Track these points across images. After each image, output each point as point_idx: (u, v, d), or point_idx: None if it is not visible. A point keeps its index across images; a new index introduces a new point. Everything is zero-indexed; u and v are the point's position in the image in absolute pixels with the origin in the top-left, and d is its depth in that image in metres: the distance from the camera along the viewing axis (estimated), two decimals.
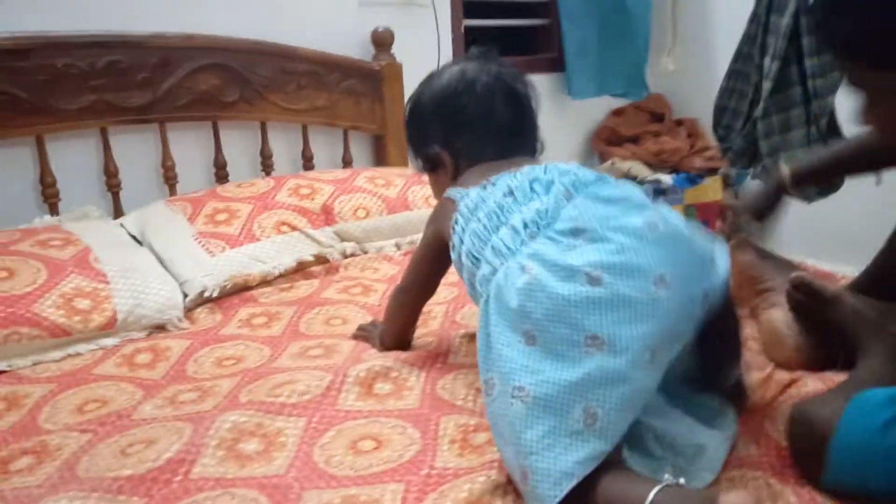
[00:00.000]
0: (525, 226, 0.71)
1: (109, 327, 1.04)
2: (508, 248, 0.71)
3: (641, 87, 2.52)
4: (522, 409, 0.61)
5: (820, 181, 0.98)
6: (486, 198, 0.78)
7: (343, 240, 1.41)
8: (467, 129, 0.89)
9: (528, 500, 0.61)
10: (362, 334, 1.03)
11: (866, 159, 0.91)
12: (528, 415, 0.61)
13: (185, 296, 1.16)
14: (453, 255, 0.83)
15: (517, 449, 0.61)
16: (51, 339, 0.99)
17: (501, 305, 0.68)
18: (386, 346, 0.97)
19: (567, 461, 0.59)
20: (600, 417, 0.60)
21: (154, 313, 1.08)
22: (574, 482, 0.58)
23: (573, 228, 0.68)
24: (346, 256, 1.38)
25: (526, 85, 0.93)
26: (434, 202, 0.95)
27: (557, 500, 0.58)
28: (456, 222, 0.81)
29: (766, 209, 0.95)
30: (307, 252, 1.33)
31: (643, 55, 2.45)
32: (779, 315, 0.89)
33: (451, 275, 1.30)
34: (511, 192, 0.77)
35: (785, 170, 0.95)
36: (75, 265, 1.10)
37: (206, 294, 1.17)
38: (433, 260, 0.91)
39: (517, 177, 0.79)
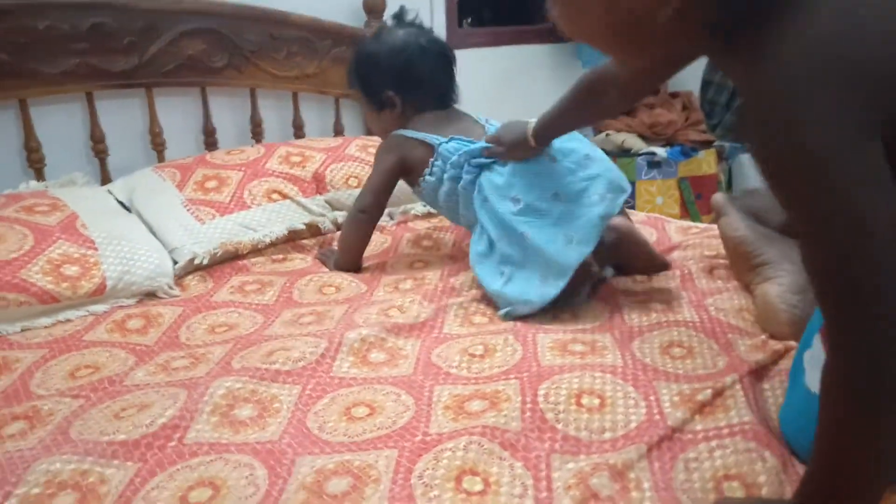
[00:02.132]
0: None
1: (99, 294, 1.03)
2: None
3: None
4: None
5: (561, 131, 1.05)
6: (459, 145, 1.11)
7: (335, 209, 1.39)
8: (418, 82, 1.17)
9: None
10: (321, 258, 1.23)
11: (595, 101, 0.97)
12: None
13: (175, 263, 1.15)
14: (428, 181, 1.13)
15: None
16: (39, 305, 0.98)
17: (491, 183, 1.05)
18: (340, 268, 1.18)
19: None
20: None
21: (144, 280, 1.07)
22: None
23: None
24: (337, 226, 1.36)
25: (451, 50, 1.23)
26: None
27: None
28: (436, 159, 1.12)
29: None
30: (298, 221, 1.31)
31: None
32: (773, 289, 0.89)
33: (449, 245, 1.29)
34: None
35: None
36: (62, 231, 1.08)
37: (197, 262, 1.16)
38: (391, 185, 1.18)
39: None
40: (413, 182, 1.18)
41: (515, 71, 2.36)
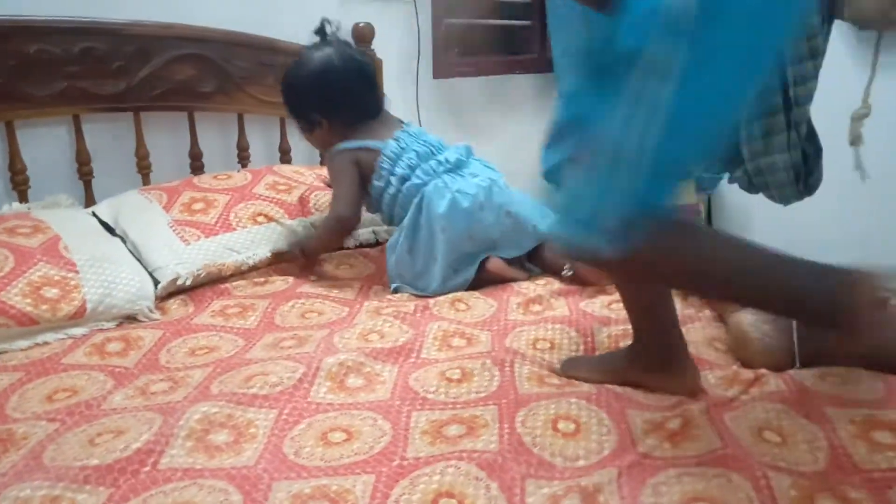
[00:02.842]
0: (447, 161, 1.28)
1: (79, 316, 1.02)
2: (434, 171, 1.27)
3: None
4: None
5: None
6: (405, 146, 1.29)
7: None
8: (339, 101, 1.31)
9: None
10: (290, 247, 1.33)
11: None
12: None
13: (157, 283, 1.15)
14: (378, 184, 1.29)
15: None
16: (17, 327, 0.97)
17: (430, 207, 1.22)
18: (308, 251, 1.31)
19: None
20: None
21: (124, 303, 1.07)
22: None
23: (471, 173, 1.30)
24: None
25: (372, 61, 1.46)
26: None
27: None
28: (384, 162, 1.28)
29: None
30: (282, 242, 1.32)
31: None
32: (746, 318, 0.91)
33: None
34: (426, 144, 1.31)
35: None
36: (43, 253, 1.08)
37: (179, 282, 1.16)
38: (358, 188, 1.31)
39: (421, 136, 1.33)
40: (365, 185, 1.33)
41: (501, 100, 2.40)
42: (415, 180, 1.26)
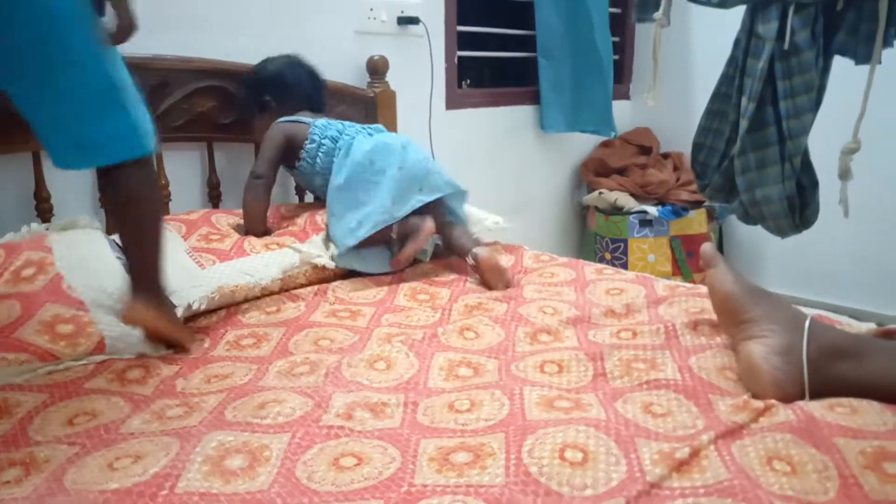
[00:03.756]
0: (369, 127, 1.57)
1: (99, 351, 1.04)
2: (359, 131, 1.53)
3: (609, 126, 2.54)
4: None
5: None
6: (333, 123, 1.54)
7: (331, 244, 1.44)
8: (288, 86, 1.58)
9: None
10: (238, 231, 1.46)
11: None
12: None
13: (175, 306, 1.17)
14: (311, 147, 1.50)
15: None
16: (39, 362, 0.99)
17: (359, 146, 1.46)
18: (248, 232, 1.45)
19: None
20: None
21: (141, 343, 1.07)
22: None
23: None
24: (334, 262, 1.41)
25: (321, 74, 1.66)
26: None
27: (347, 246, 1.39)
28: (314, 130, 1.51)
29: None
30: (294, 260, 1.35)
31: (609, 95, 2.49)
32: (757, 349, 0.91)
33: (437, 298, 1.33)
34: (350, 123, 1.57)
35: None
36: (49, 294, 1.07)
37: (195, 307, 1.18)
38: (280, 157, 1.53)
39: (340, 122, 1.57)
40: (290, 163, 1.53)
41: (509, 130, 2.45)
42: (344, 137, 1.49)
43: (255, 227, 1.47)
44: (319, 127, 1.51)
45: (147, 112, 1.02)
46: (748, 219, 1.32)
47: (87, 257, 1.19)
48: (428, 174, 1.46)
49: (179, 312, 1.17)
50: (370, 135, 1.52)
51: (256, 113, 1.59)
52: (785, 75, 1.18)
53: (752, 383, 0.91)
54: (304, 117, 1.54)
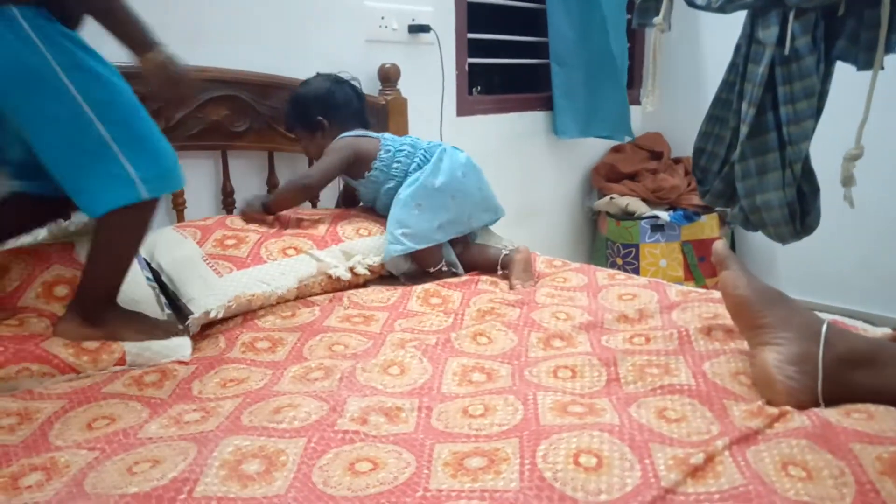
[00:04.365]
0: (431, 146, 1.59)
1: (120, 364, 1.06)
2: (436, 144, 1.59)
3: (625, 131, 2.55)
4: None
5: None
6: (396, 139, 1.59)
7: (350, 257, 1.45)
8: (339, 105, 1.60)
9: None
10: (246, 207, 1.51)
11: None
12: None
13: (191, 314, 1.19)
14: (383, 158, 1.54)
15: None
16: (60, 375, 1.01)
17: (453, 158, 1.55)
18: (269, 207, 1.50)
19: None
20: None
21: (162, 355, 1.09)
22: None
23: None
24: (353, 273, 1.42)
25: (361, 90, 1.69)
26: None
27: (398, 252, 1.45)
28: (385, 142, 1.56)
29: None
30: (311, 269, 1.36)
31: (625, 100, 2.50)
32: (771, 357, 0.90)
33: (450, 302, 1.34)
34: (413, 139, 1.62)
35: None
36: None
37: (212, 315, 1.20)
38: (338, 171, 1.56)
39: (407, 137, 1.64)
40: (358, 174, 1.55)
41: (519, 136, 2.45)
42: (428, 147, 1.56)
43: (276, 209, 1.50)
44: (390, 139, 1.57)
45: (151, 144, 1.01)
46: (748, 225, 1.32)
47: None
48: (491, 197, 1.61)
49: (196, 320, 1.18)
50: (455, 149, 1.59)
51: (307, 132, 1.62)
52: (785, 80, 1.18)
53: (766, 391, 0.90)
54: (370, 132, 1.60)
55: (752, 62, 1.22)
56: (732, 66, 1.30)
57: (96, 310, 1.04)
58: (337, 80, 1.63)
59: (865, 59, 1.18)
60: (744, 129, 1.23)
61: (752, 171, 1.21)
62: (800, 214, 1.24)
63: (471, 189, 1.54)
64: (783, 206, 1.20)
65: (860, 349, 0.89)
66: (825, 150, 1.32)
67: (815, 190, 1.25)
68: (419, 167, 1.53)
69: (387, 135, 1.59)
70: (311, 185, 1.54)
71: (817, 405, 0.87)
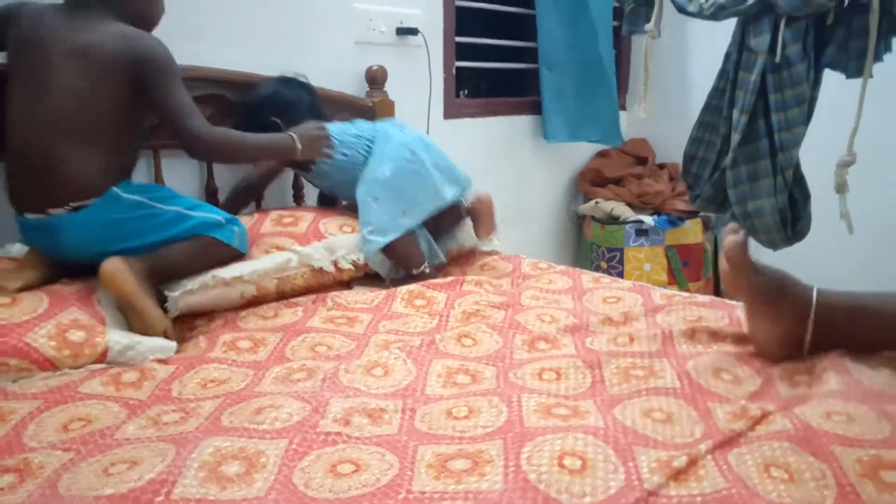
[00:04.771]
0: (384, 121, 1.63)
1: (100, 361, 1.04)
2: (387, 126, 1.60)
3: (615, 136, 2.56)
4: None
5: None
6: (342, 123, 1.60)
7: (334, 253, 1.43)
8: (289, 103, 1.57)
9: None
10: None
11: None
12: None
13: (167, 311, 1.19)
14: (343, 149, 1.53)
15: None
16: (38, 371, 0.99)
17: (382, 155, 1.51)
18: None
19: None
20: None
21: (146, 356, 1.08)
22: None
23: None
24: (336, 267, 1.40)
25: (310, 83, 1.66)
26: None
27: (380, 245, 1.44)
28: (330, 131, 1.52)
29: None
30: (293, 260, 1.35)
31: (616, 105, 2.52)
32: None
33: (434, 304, 1.33)
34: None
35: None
36: (77, 300, 1.11)
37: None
38: (277, 166, 1.61)
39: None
40: (305, 168, 1.56)
41: (506, 139, 2.46)
42: (377, 131, 1.55)
43: (228, 209, 1.46)
44: (336, 128, 1.54)
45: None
46: None
47: None
48: (452, 167, 1.57)
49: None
50: (397, 126, 1.57)
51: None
52: (777, 88, 1.19)
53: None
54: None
55: (743, 69, 1.23)
56: (722, 73, 1.32)
57: (149, 277, 1.18)
58: (283, 80, 1.61)
59: (855, 67, 1.20)
60: (735, 137, 1.24)
61: (744, 178, 1.22)
62: (791, 221, 1.25)
63: (425, 167, 1.50)
64: (775, 212, 1.21)
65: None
66: (819, 157, 1.33)
67: (806, 196, 1.27)
68: (365, 159, 1.52)
69: (333, 126, 1.56)
70: (251, 185, 1.57)
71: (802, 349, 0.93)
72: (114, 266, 1.12)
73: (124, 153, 1.25)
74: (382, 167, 1.47)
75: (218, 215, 1.30)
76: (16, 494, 0.70)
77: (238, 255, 1.31)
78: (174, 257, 1.23)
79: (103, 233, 1.17)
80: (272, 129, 1.52)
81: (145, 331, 1.12)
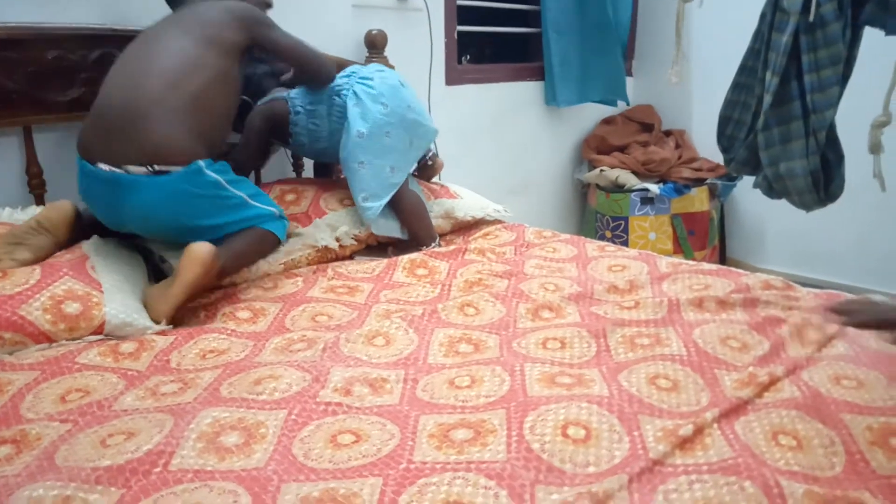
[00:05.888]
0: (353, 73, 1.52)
1: (98, 333, 1.02)
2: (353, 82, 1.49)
3: (620, 94, 2.55)
4: None
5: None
6: (303, 92, 1.51)
7: (336, 229, 1.42)
8: (254, 81, 1.54)
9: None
10: None
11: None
12: None
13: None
14: (295, 128, 1.48)
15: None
16: (33, 344, 0.97)
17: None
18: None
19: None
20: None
21: (143, 329, 1.06)
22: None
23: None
24: (339, 243, 1.39)
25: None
26: None
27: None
28: (292, 102, 1.49)
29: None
30: (296, 243, 1.34)
31: (622, 65, 2.49)
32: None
33: (436, 273, 1.31)
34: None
35: None
36: (70, 268, 1.08)
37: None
38: (258, 143, 1.52)
39: None
40: (285, 140, 1.51)
41: (509, 105, 2.41)
42: (344, 90, 1.46)
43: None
44: (296, 96, 1.48)
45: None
46: (772, 193, 1.30)
47: (107, 248, 1.20)
48: (423, 111, 1.55)
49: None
50: (366, 78, 1.48)
51: (240, 119, 1.50)
52: (810, 48, 1.15)
53: None
54: (281, 90, 1.52)
55: (776, 31, 1.18)
56: (758, 34, 1.27)
57: (217, 276, 1.19)
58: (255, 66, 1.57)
59: (894, 24, 1.15)
60: (767, 98, 1.20)
61: (776, 140, 1.19)
62: (823, 182, 1.23)
63: (399, 115, 1.46)
64: (807, 174, 1.18)
65: None
66: (847, 117, 1.29)
67: (840, 158, 1.24)
68: (339, 123, 1.46)
69: (292, 92, 1.50)
70: (239, 165, 1.46)
71: None
72: (206, 254, 1.10)
73: (215, 131, 1.25)
74: (359, 127, 1.42)
75: (274, 208, 1.29)
76: (13, 465, 0.70)
77: (278, 248, 1.31)
78: (242, 260, 1.23)
79: (174, 204, 1.15)
80: (242, 108, 1.45)
81: (153, 306, 1.10)
